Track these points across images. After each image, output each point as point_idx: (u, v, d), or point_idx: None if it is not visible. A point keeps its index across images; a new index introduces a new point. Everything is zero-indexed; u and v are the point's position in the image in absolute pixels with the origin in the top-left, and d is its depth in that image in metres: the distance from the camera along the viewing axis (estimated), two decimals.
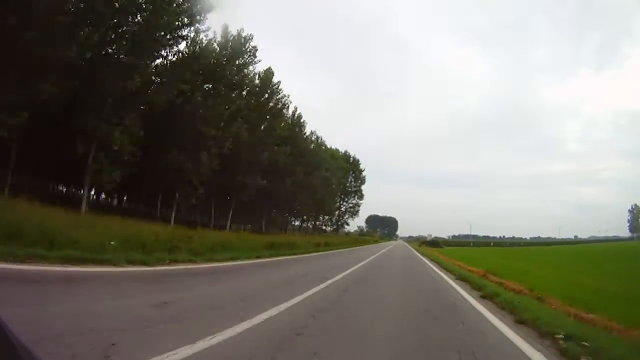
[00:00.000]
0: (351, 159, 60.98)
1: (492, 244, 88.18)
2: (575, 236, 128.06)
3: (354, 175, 61.08)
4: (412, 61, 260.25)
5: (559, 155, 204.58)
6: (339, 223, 61.11)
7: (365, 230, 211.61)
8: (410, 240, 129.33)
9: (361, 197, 61.12)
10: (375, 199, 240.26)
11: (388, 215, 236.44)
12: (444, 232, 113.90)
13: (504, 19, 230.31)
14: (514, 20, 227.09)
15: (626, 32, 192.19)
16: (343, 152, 61.18)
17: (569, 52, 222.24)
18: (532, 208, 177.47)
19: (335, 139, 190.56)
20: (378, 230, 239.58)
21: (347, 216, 60.92)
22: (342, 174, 55.86)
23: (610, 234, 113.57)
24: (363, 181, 61.27)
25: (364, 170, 61.39)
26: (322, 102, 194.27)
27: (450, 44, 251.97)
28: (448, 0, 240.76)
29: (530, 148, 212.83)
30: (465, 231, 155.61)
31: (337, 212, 61.35)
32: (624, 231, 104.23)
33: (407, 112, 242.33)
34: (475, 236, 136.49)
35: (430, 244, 65.77)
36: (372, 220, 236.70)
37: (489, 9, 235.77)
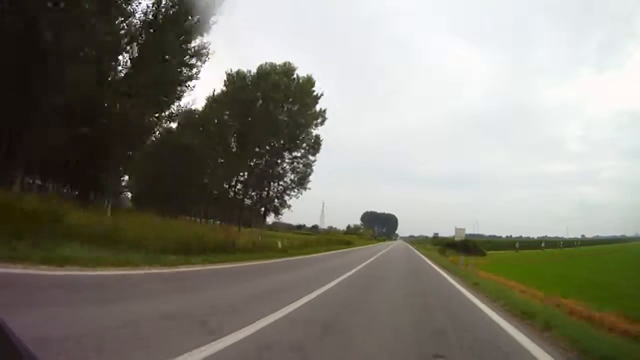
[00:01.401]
0: (296, 76, 28.67)
1: (561, 243, 55.52)
2: (583, 235, 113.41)
3: (304, 108, 28.72)
4: (413, 61, 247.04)
5: (561, 155, 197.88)
6: (267, 205, 28.39)
7: (361, 228, 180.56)
8: (412, 240, 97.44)
9: (315, 149, 28.54)
10: (373, 198, 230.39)
11: (387, 212, 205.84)
12: (448, 231, 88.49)
13: (505, 19, 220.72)
14: (515, 20, 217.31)
15: (628, 31, 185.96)
16: (282, 63, 28.96)
17: (571, 51, 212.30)
18: (535, 207, 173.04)
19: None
20: (376, 228, 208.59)
21: (290, 186, 28.13)
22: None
23: (615, 233, 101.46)
24: (320, 118, 28.82)
25: (320, 96, 29.01)
26: (322, 102, 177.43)
27: (451, 44, 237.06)
28: (448, 0, 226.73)
29: (533, 148, 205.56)
30: (470, 230, 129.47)
31: (267, 188, 28.96)
32: (625, 230, 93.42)
33: (408, 111, 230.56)
34: (481, 235, 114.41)
35: (460, 249, 33.32)
36: (369, 217, 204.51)
37: (489, 9, 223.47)
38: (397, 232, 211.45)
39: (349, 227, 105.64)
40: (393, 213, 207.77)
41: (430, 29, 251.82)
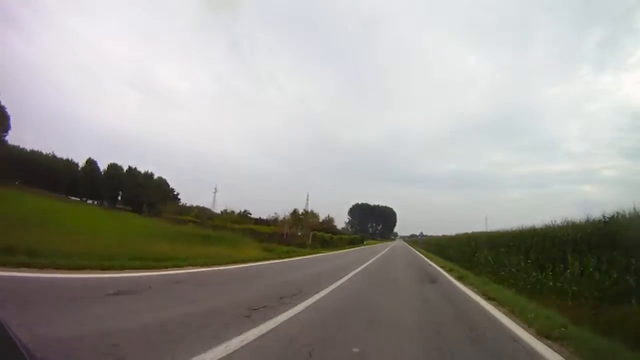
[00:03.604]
0: None
1: None
2: None
3: None
4: (413, 61, 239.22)
5: (561, 154, 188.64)
6: None
7: (348, 226, 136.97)
8: (420, 242, 51.46)
9: None
10: (373, 196, 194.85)
11: (382, 204, 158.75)
12: (452, 231, 54.26)
13: (504, 19, 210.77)
14: (514, 20, 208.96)
15: (628, 29, 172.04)
16: None
17: (571, 50, 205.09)
18: (539, 206, 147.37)
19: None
20: (370, 226, 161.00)
21: None
22: None
23: None
24: None
25: None
26: (323, 103, 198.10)
27: (451, 44, 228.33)
28: (448, 1, 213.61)
29: (533, 147, 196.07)
30: (482, 228, 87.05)
31: None
32: None
33: (408, 111, 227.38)
34: None
35: None
36: (360, 211, 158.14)
37: (488, 9, 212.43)
38: (396, 230, 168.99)
39: (295, 212, 57.74)
40: (391, 207, 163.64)
41: (430, 30, 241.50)
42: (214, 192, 54.18)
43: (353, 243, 39.79)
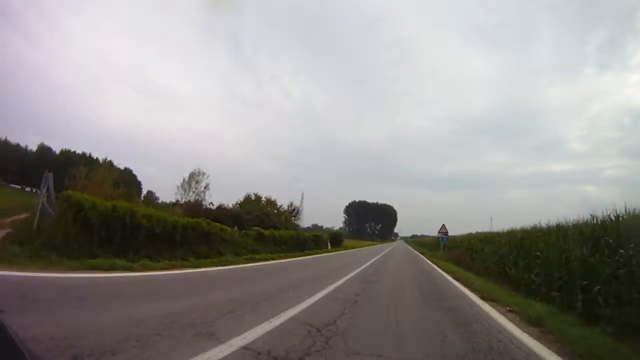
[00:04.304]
0: None
1: None
2: None
3: None
4: (414, 61, 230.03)
5: (563, 155, 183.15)
6: None
7: (346, 226, 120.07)
8: (442, 245, 30.43)
9: None
10: (373, 196, 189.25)
11: (382, 202, 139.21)
12: (455, 230, 35.18)
13: (506, 19, 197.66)
14: (516, 20, 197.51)
15: (629, 29, 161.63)
16: None
17: (573, 51, 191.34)
18: (542, 207, 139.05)
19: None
20: (368, 226, 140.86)
21: None
22: None
23: None
24: None
25: None
26: (324, 104, 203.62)
27: (452, 45, 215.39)
28: (449, 1, 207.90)
29: (535, 148, 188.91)
30: (486, 228, 72.95)
31: None
32: None
33: (410, 112, 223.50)
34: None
35: None
36: (357, 209, 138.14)
37: (489, 10, 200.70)
38: (396, 230, 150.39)
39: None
40: (391, 205, 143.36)
41: (433, 30, 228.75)
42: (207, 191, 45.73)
43: (303, 247, 19.72)
